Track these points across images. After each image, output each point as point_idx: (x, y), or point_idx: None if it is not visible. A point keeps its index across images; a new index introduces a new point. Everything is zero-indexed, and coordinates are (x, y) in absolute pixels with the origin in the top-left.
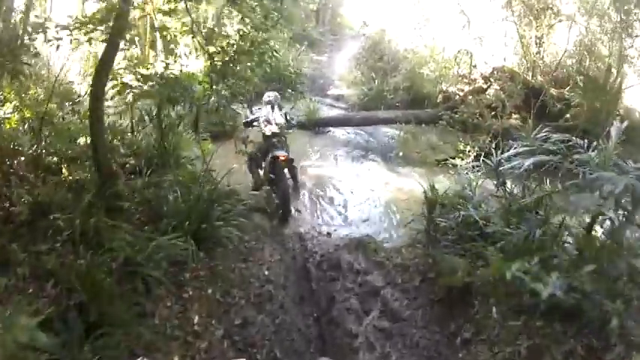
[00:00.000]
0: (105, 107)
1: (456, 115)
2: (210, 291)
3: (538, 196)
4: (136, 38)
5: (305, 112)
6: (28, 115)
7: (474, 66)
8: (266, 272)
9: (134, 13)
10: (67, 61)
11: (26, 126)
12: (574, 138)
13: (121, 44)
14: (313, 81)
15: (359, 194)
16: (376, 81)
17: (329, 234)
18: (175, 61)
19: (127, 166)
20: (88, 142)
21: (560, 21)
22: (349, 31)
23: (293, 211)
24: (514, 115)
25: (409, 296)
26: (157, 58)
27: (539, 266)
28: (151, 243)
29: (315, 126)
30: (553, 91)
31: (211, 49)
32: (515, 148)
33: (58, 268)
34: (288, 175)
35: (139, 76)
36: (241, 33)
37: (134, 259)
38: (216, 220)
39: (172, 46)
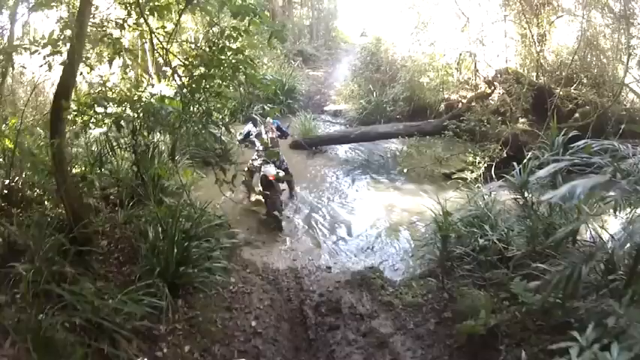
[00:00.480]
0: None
1: (462, 124)
2: (187, 348)
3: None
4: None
5: (301, 131)
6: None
7: (476, 70)
8: (253, 323)
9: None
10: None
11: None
12: (615, 143)
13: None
14: (309, 97)
15: (361, 219)
16: (374, 93)
17: (329, 268)
18: (161, 82)
19: (111, 197)
20: None
21: (560, 16)
22: (344, 45)
23: (288, 242)
24: (521, 120)
25: (423, 344)
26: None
27: None
28: (121, 291)
29: (312, 145)
30: (560, 90)
31: (176, 62)
32: (538, 158)
33: (15, 324)
34: (281, 188)
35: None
36: (208, 42)
37: (101, 311)
38: (198, 261)
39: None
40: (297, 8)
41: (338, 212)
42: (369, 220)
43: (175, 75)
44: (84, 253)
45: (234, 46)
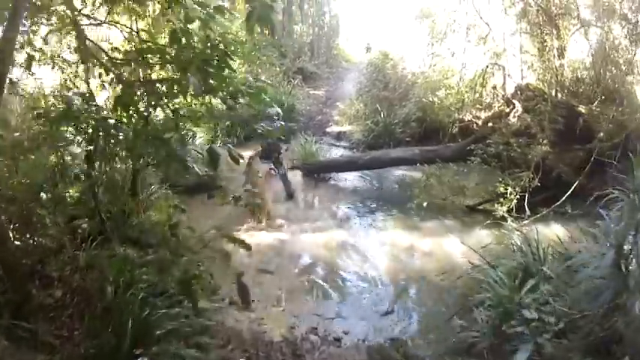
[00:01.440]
0: None
1: (489, 148)
2: None
3: None
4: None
5: (301, 155)
6: None
7: (494, 87)
8: None
9: None
10: None
11: None
12: None
13: None
14: (310, 118)
15: (376, 268)
16: (382, 113)
17: (337, 340)
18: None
19: (79, 231)
20: None
21: (581, 27)
22: (346, 63)
23: (284, 302)
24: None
25: None
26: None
27: None
28: None
29: (313, 172)
30: (582, 108)
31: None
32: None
33: None
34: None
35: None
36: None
37: None
38: (163, 338)
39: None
40: (297, 24)
41: (346, 261)
42: (385, 270)
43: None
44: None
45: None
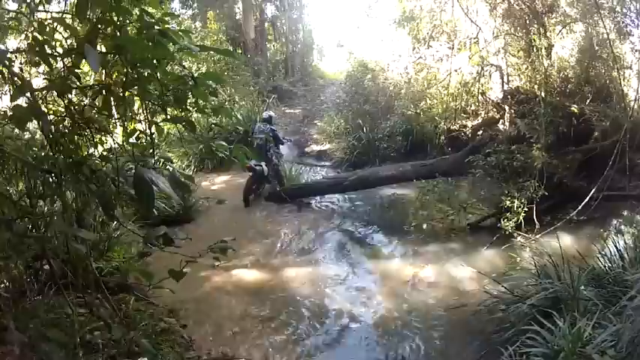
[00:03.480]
0: None
1: (490, 158)
2: None
3: None
4: None
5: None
6: None
7: (482, 93)
8: None
9: None
10: None
11: None
12: None
13: None
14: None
15: (373, 308)
16: (364, 128)
17: None
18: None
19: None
20: None
21: (567, 24)
22: (322, 81)
23: None
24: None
25: None
26: None
27: None
28: None
29: (295, 197)
30: (574, 107)
31: None
32: None
33: None
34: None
35: None
36: None
37: None
38: None
39: None
40: (270, 41)
41: (337, 299)
42: (386, 308)
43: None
44: None
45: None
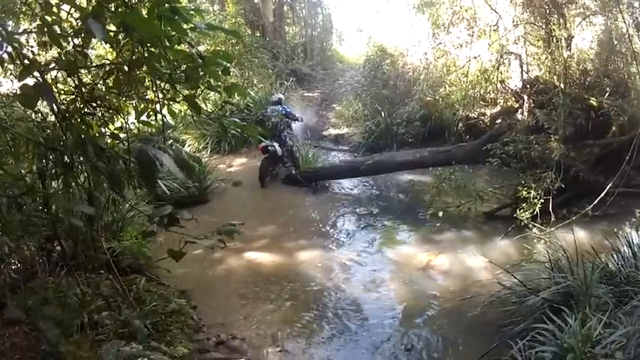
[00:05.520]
0: None
1: (508, 147)
2: None
3: None
4: None
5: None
6: None
7: (501, 81)
8: None
9: None
10: None
11: None
12: None
13: None
14: (305, 121)
15: (386, 294)
16: (382, 113)
17: None
18: None
19: (52, 253)
20: None
21: (587, 16)
22: (340, 65)
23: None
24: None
25: None
26: None
27: None
28: None
29: (311, 180)
30: (593, 100)
31: None
32: None
33: None
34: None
35: None
36: None
37: None
38: None
39: None
40: (289, 24)
41: (351, 285)
42: (399, 295)
43: None
44: None
45: None
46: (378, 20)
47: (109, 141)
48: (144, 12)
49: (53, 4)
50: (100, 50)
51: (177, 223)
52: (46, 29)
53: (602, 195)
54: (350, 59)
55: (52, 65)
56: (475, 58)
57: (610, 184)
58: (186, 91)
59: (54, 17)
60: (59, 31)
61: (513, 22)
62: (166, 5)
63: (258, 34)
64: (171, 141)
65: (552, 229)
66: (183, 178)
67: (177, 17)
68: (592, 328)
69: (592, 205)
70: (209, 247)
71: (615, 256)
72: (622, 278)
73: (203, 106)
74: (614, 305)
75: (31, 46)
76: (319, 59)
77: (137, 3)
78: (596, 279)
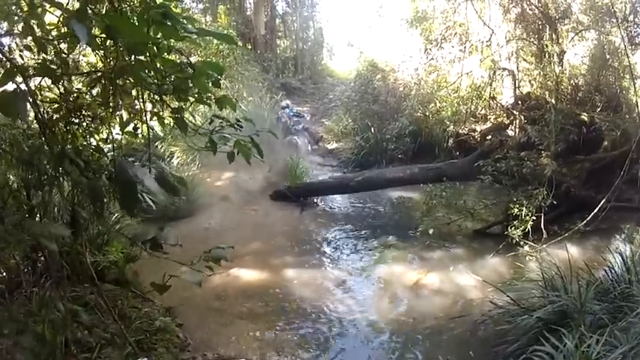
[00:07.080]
0: None
1: (500, 164)
2: None
3: None
4: None
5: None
6: None
7: (492, 97)
8: None
9: None
10: None
11: None
12: None
13: None
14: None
15: (375, 315)
16: (372, 129)
17: None
18: None
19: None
20: None
21: (580, 31)
22: (331, 79)
23: None
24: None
25: None
26: None
27: None
28: None
29: (299, 195)
30: (584, 116)
31: None
32: None
33: None
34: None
35: None
36: None
37: None
38: None
39: None
40: (281, 38)
41: (338, 305)
42: (387, 316)
43: None
44: None
45: None
46: (369, 35)
47: (92, 154)
48: (134, 16)
49: (37, 3)
50: (91, 57)
51: (161, 248)
52: (29, 32)
53: (594, 209)
54: (340, 74)
55: (32, 72)
56: (467, 74)
57: (603, 200)
58: (175, 104)
59: (36, 19)
60: (43, 34)
61: (506, 37)
62: (158, 10)
63: (250, 47)
64: (154, 158)
65: (544, 245)
66: (165, 200)
67: (168, 22)
68: (590, 346)
69: (584, 222)
70: (196, 283)
71: (609, 272)
72: (616, 294)
73: (191, 118)
74: (609, 321)
75: (21, 50)
76: (310, 73)
77: (126, 6)
78: (591, 296)
